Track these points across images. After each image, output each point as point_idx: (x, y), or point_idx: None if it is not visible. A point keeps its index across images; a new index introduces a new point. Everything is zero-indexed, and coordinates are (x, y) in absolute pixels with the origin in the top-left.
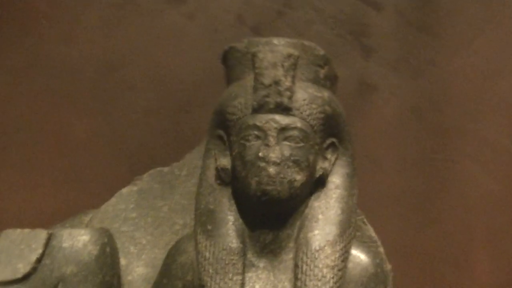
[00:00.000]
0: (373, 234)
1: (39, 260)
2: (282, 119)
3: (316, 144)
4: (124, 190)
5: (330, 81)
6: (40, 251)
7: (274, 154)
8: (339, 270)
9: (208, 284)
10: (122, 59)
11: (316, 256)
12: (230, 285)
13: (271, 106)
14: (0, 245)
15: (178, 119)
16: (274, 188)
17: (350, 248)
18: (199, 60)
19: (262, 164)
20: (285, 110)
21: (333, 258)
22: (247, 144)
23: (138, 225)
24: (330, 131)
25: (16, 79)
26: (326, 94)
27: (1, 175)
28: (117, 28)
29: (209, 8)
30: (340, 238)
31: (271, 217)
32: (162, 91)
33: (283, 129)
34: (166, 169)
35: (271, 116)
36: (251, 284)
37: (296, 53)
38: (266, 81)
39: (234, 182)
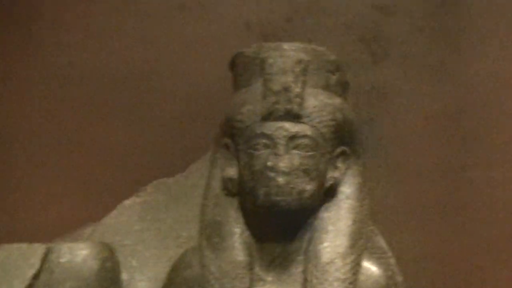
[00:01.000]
0: (383, 245)
1: (36, 276)
2: (292, 127)
3: (326, 152)
4: (127, 202)
5: (341, 88)
6: (37, 266)
7: (283, 164)
8: (350, 283)
9: None
10: (129, 68)
11: (327, 269)
12: None
13: (281, 113)
14: None
15: (183, 128)
16: (283, 199)
17: (361, 260)
18: (206, 69)
19: (271, 174)
20: (294, 117)
21: (343, 271)
22: (256, 153)
23: (141, 238)
24: (341, 139)
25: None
26: (337, 101)
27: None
28: (123, 35)
29: (216, 15)
30: (351, 250)
31: (280, 229)
32: (167, 100)
33: (292, 137)
34: (170, 179)
35: (280, 123)
36: None
37: (306, 58)
38: (276, 87)
39: (242, 192)
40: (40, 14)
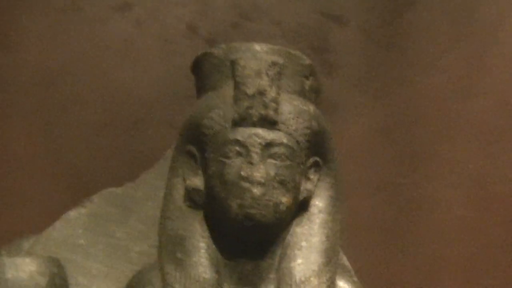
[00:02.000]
0: (347, 263)
1: None
2: (267, 134)
3: (301, 163)
4: (71, 213)
5: (315, 94)
6: None
7: (258, 174)
8: None
9: None
10: (66, 70)
11: None
12: None
13: (255, 118)
14: None
15: (127, 136)
16: (258, 212)
17: (335, 278)
18: (149, 72)
19: (245, 185)
20: (270, 123)
21: None
22: (227, 161)
23: (88, 253)
24: (315, 149)
25: None
26: (312, 108)
27: None
28: (60, 36)
29: (159, 17)
30: (326, 268)
31: (251, 244)
32: (110, 105)
33: (268, 145)
34: (119, 189)
35: (254, 130)
36: None
37: (281, 61)
38: (250, 90)
39: (210, 204)
40: None
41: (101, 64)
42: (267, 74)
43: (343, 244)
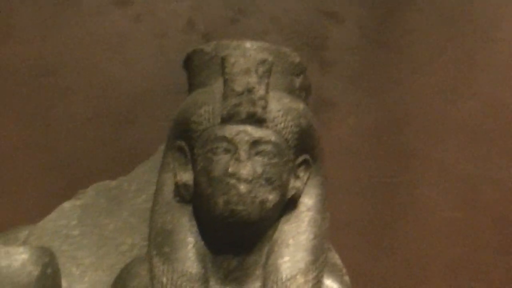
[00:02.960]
0: (338, 261)
1: None
2: (255, 131)
3: (289, 160)
4: (66, 205)
5: (305, 92)
6: None
7: (245, 171)
8: None
9: None
10: (60, 62)
11: (287, 285)
12: None
13: (243, 116)
14: None
15: (121, 129)
16: (244, 209)
17: (322, 277)
18: (146, 67)
19: (232, 181)
20: (258, 121)
21: None
22: (215, 158)
23: (81, 244)
24: (304, 147)
25: None
26: (301, 106)
27: None
28: (55, 28)
29: (157, 11)
30: (313, 266)
31: (238, 241)
32: (104, 98)
33: (255, 142)
34: (113, 183)
35: (242, 127)
36: None
37: (270, 59)
38: (238, 88)
39: (197, 200)
40: None
41: (97, 57)
42: (256, 71)
43: (332, 242)
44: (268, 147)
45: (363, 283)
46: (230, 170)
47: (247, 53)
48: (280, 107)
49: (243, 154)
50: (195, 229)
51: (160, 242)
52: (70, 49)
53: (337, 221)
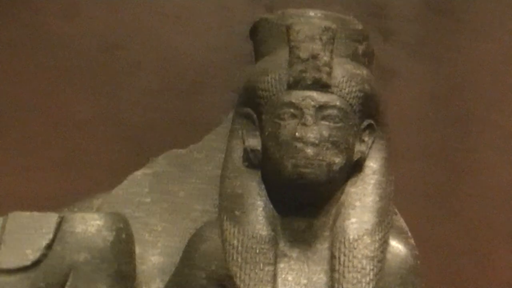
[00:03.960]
0: (403, 224)
1: (49, 246)
2: (320, 97)
3: (354, 125)
4: (138, 173)
5: (368, 58)
6: (50, 236)
7: (312, 134)
8: (378, 261)
9: (237, 275)
10: (127, 36)
11: (355, 246)
12: (261, 276)
13: (309, 82)
14: (7, 228)
15: (187, 100)
16: (311, 171)
17: (388, 238)
18: (211, 39)
19: (299, 145)
20: (323, 86)
21: (372, 248)
22: (282, 123)
23: (153, 211)
24: (368, 112)
25: (13, 55)
26: (364, 71)
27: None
28: (122, 3)
29: None
30: (379, 227)
31: (305, 203)
32: (172, 71)
33: (321, 107)
34: (183, 151)
35: (308, 93)
36: (283, 276)
37: (333, 26)
38: (303, 55)
39: (266, 164)
40: None
41: (163, 30)
42: (320, 39)
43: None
44: (334, 112)
45: (427, 246)
46: (297, 134)
47: (311, 21)
48: (345, 73)
49: (309, 119)
50: (264, 192)
51: (230, 206)
52: (137, 23)
53: (401, 186)
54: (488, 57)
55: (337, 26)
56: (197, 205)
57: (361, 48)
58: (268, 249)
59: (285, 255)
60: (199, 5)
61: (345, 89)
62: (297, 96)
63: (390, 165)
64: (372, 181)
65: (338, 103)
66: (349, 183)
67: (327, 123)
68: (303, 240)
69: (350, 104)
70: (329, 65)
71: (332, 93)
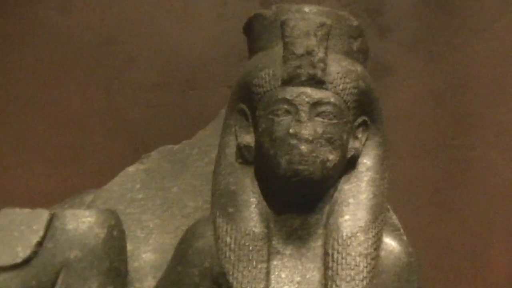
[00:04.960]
0: (396, 221)
1: (40, 243)
2: (315, 93)
3: (348, 121)
4: (130, 169)
5: (363, 55)
6: (41, 233)
7: (306, 131)
8: (372, 258)
9: (231, 272)
10: (123, 30)
11: (348, 243)
12: (254, 273)
13: (303, 78)
14: None
15: (184, 95)
16: (306, 168)
17: (382, 235)
18: (207, 34)
19: (294, 142)
20: (318, 83)
21: (366, 245)
22: (276, 119)
23: (145, 207)
24: (362, 109)
25: (6, 49)
26: (359, 68)
27: None
28: None
29: None
30: (373, 225)
31: (299, 200)
32: (167, 65)
33: (315, 103)
34: (176, 147)
35: (302, 89)
36: (277, 273)
37: (329, 22)
38: (298, 50)
39: (259, 161)
40: None
41: (159, 25)
42: (315, 34)
43: (392, 204)
44: (328, 108)
45: (425, 244)
46: (291, 130)
47: (306, 17)
48: (339, 69)
49: (303, 115)
50: (257, 189)
51: (223, 203)
52: (132, 17)
53: (398, 184)
54: (485, 54)
55: (332, 22)
56: (190, 202)
57: (356, 45)
58: (261, 246)
59: (278, 252)
60: (195, 0)
61: (339, 86)
62: (291, 92)
63: (385, 162)
64: (366, 178)
65: (332, 100)
66: (342, 180)
67: (321, 119)
68: (296, 237)
69: (345, 101)
70: (324, 61)
71: (326, 89)
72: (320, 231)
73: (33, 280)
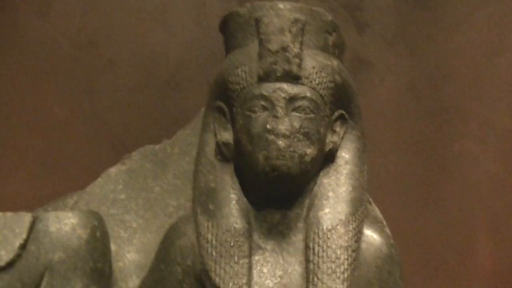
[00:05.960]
0: (378, 214)
1: (23, 246)
2: (291, 88)
3: (325, 116)
4: (112, 170)
5: (338, 50)
6: (24, 236)
7: (283, 126)
8: (353, 251)
9: (212, 269)
10: (102, 34)
11: (329, 236)
12: (236, 269)
13: (279, 74)
14: None
15: (164, 96)
16: (284, 163)
17: (362, 227)
18: (186, 35)
19: (271, 137)
20: (293, 78)
21: (346, 238)
22: (253, 115)
23: (128, 208)
24: (339, 103)
25: None
26: (335, 62)
27: None
28: (97, 0)
29: None
30: (353, 217)
31: (279, 195)
32: (147, 67)
33: (292, 98)
34: (157, 146)
35: (278, 85)
36: (258, 268)
37: (303, 18)
38: (273, 47)
39: (238, 157)
40: None
41: (138, 27)
42: (290, 30)
43: (375, 197)
44: (304, 103)
45: (407, 238)
46: (268, 126)
47: (280, 13)
48: (315, 64)
49: (280, 111)
50: (237, 186)
51: (204, 201)
52: (111, 20)
53: (379, 178)
54: (464, 48)
55: (306, 18)
56: (172, 201)
57: (331, 39)
58: (242, 242)
59: (259, 248)
60: (174, 2)
61: (315, 80)
62: (267, 88)
63: (363, 155)
64: (345, 171)
65: (308, 94)
66: (321, 174)
67: (298, 114)
68: (277, 232)
69: (321, 95)
70: (299, 56)
71: (302, 84)
72: (300, 225)
73: (17, 283)
